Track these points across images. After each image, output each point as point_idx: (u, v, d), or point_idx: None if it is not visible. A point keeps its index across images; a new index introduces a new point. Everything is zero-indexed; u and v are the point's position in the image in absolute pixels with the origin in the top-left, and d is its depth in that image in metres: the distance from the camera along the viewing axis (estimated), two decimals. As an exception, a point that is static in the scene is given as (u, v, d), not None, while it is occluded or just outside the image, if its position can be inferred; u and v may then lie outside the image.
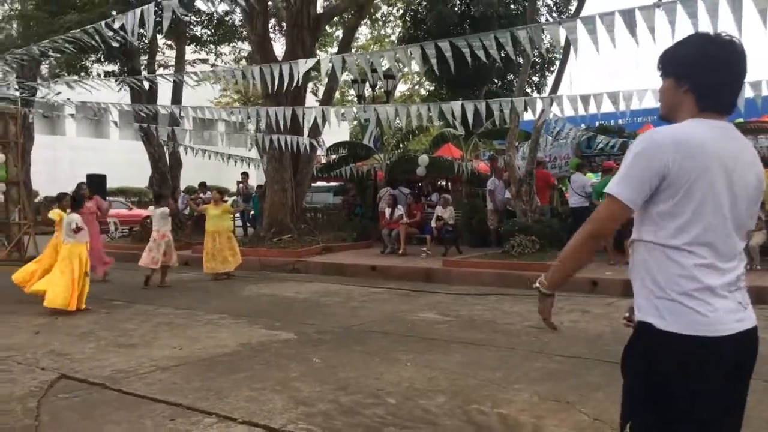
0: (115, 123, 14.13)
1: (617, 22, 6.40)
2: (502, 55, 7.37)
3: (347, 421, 3.94)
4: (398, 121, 17.00)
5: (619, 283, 8.87)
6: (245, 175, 18.74)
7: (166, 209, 10.52)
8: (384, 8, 25.09)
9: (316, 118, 9.91)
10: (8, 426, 3.96)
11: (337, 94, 25.11)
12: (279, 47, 15.04)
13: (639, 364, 1.87)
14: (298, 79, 8.09)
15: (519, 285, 9.41)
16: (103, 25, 8.61)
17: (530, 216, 11.45)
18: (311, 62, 8.72)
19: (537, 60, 20.15)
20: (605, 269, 9.93)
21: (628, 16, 6.34)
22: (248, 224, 18.31)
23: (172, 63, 19.65)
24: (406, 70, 38.04)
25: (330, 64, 8.64)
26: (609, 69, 68.92)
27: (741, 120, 15.99)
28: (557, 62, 17.03)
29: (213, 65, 20.88)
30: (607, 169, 11.37)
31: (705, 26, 5.87)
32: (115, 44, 9.35)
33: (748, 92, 7.53)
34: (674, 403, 1.80)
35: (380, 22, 27.62)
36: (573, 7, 14.67)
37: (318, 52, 23.21)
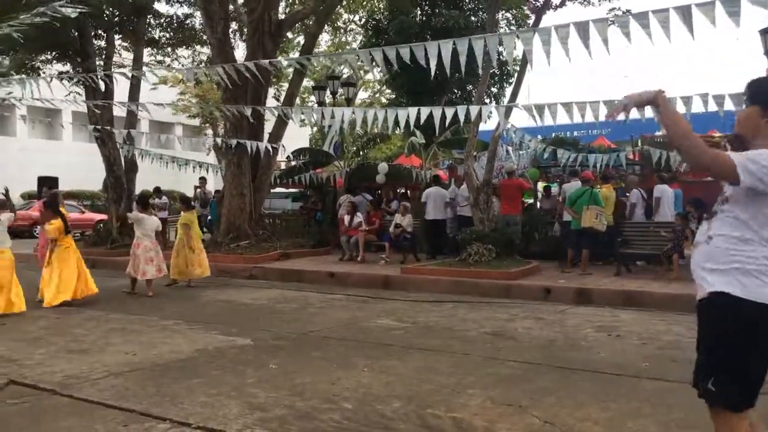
0: (66, 124, 13.81)
1: (572, 34, 6.60)
2: (461, 63, 7.50)
3: (303, 426, 3.96)
4: (359, 129, 17.09)
5: (571, 291, 9.10)
6: (203, 180, 18.53)
7: (158, 221, 10.58)
8: (346, 16, 25.18)
9: (277, 117, 9.89)
10: (-47, 433, 3.86)
11: (298, 101, 25.04)
12: (240, 53, 14.97)
13: None
14: (261, 79, 8.10)
15: (475, 293, 9.56)
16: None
17: (487, 225, 11.63)
18: (274, 62, 8.74)
19: (496, 71, 20.48)
20: (558, 277, 10.17)
21: (582, 28, 6.54)
22: (205, 230, 18.09)
23: (129, 65, 19.34)
24: (367, 77, 38.33)
25: (291, 69, 8.68)
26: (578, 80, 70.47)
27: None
28: (515, 74, 17.35)
29: (169, 67, 20.63)
30: (585, 179, 11.53)
31: (658, 37, 6.10)
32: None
33: (728, 105, 7.83)
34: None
35: (342, 30, 27.70)
36: (531, 21, 15.00)
37: (280, 58, 23.19)
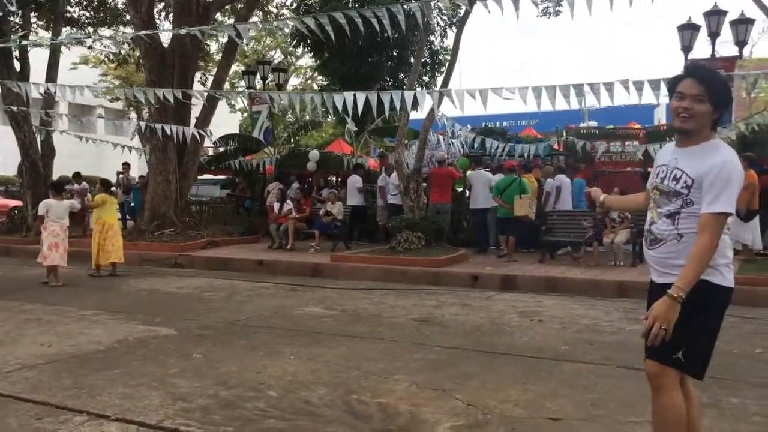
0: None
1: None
2: (395, 34, 7.59)
3: (227, 415, 3.90)
4: (290, 116, 16.90)
5: (498, 278, 9.32)
6: (126, 165, 17.87)
7: (74, 202, 10.17)
8: (277, -1, 24.74)
9: (205, 102, 9.69)
10: None
11: (227, 86, 24.47)
12: (165, 36, 14.37)
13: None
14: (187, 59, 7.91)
15: (404, 280, 9.65)
16: None
17: (417, 213, 11.74)
18: (205, 29, 8.56)
19: (428, 60, 20.64)
20: (486, 264, 10.39)
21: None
22: (128, 217, 17.52)
23: (47, 44, 18.38)
24: (299, 62, 37.84)
25: (220, 53, 8.51)
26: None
27: (611, 126, 17.20)
28: (447, 63, 17.54)
29: (90, 47, 19.78)
30: (509, 168, 11.86)
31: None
32: None
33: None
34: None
35: (272, 14, 27.21)
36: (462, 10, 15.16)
37: (208, 42, 22.57)
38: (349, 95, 9.14)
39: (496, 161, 14.88)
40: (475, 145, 15.14)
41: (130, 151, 15.14)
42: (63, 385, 4.50)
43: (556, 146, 16.37)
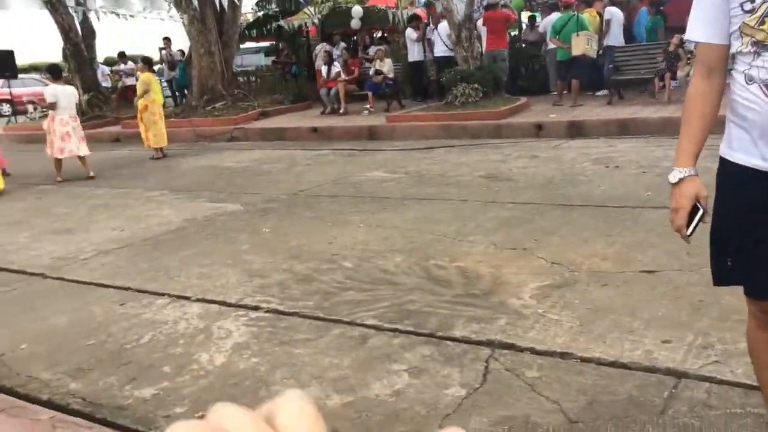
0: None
1: None
2: None
3: (305, 289, 3.84)
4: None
5: (563, 125, 8.85)
6: (167, 40, 17.42)
7: (73, 88, 9.27)
8: None
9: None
10: (-57, 328, 3.71)
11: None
12: None
13: None
14: None
15: (464, 136, 9.29)
16: None
17: (471, 63, 11.10)
18: None
19: None
20: (549, 111, 9.87)
21: None
22: (176, 93, 17.34)
23: None
24: None
25: None
26: None
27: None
28: None
29: None
30: (567, 5, 10.88)
31: None
32: None
33: None
34: None
35: None
36: None
37: None
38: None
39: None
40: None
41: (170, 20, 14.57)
42: (140, 268, 4.53)
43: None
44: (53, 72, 9.14)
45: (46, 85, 22.67)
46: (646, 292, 3.38)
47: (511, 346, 2.90)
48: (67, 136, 8.54)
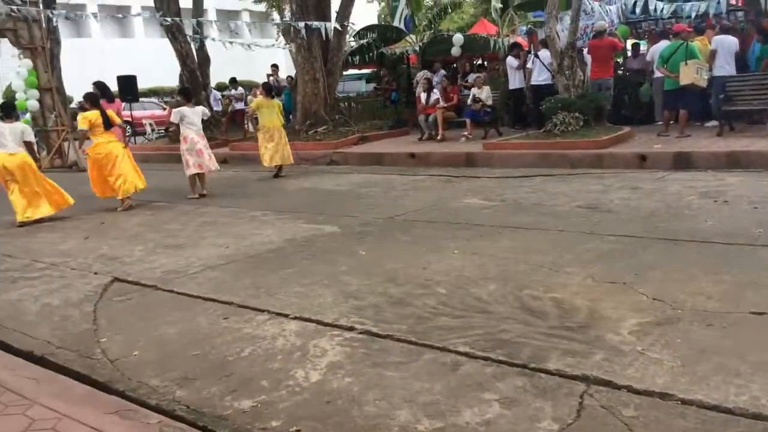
0: (137, 19, 13.67)
1: None
2: None
3: (398, 313, 3.91)
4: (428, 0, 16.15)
5: (669, 156, 8.53)
6: (275, 67, 18.27)
7: (205, 109, 9.92)
8: None
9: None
10: (68, 331, 4.05)
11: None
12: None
13: None
14: None
15: (563, 165, 9.15)
16: None
17: (573, 91, 10.92)
18: None
19: None
20: (654, 142, 9.54)
21: None
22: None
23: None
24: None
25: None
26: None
27: None
28: None
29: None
30: (676, 32, 10.53)
31: None
32: None
33: None
34: None
35: None
36: None
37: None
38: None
39: (661, 26, 13.30)
40: (637, 9, 13.59)
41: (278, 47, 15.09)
42: (243, 284, 4.75)
43: (733, 0, 14.28)
44: (185, 94, 9.90)
45: (164, 109, 24.26)
46: (756, 334, 3.20)
47: (607, 383, 2.83)
48: (200, 152, 9.16)
